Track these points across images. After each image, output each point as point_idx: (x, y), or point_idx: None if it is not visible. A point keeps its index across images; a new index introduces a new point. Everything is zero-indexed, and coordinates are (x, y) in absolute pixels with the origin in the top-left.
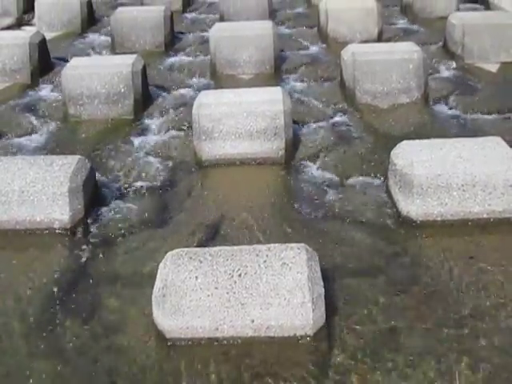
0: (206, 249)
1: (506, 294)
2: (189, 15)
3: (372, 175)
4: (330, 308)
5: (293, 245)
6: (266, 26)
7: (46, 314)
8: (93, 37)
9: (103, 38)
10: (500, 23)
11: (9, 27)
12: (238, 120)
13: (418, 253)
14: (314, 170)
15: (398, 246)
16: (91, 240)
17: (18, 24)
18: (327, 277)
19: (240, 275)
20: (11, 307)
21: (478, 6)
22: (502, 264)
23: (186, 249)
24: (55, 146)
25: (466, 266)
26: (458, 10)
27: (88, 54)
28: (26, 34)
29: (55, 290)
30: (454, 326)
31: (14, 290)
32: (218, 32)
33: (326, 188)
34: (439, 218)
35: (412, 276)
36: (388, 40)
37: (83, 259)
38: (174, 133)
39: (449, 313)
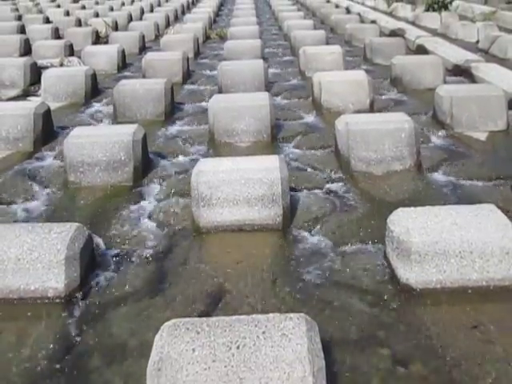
0: (204, 319)
1: None
2: (189, 87)
3: (369, 242)
4: (331, 382)
5: (292, 315)
6: (263, 97)
7: None
8: (96, 107)
9: (106, 108)
10: (486, 95)
11: (15, 98)
12: (236, 187)
13: (419, 322)
14: (311, 236)
15: (398, 315)
16: (85, 309)
17: (25, 95)
18: (327, 348)
19: (238, 347)
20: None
21: (462, 79)
22: (507, 334)
23: (182, 319)
24: (54, 213)
25: (470, 337)
26: (445, 82)
27: (90, 124)
28: (31, 104)
29: (46, 362)
30: None
31: (4, 361)
32: (217, 103)
33: (323, 255)
34: (439, 286)
35: (414, 347)
36: (379, 110)
37: (76, 330)
38: (172, 199)
39: None
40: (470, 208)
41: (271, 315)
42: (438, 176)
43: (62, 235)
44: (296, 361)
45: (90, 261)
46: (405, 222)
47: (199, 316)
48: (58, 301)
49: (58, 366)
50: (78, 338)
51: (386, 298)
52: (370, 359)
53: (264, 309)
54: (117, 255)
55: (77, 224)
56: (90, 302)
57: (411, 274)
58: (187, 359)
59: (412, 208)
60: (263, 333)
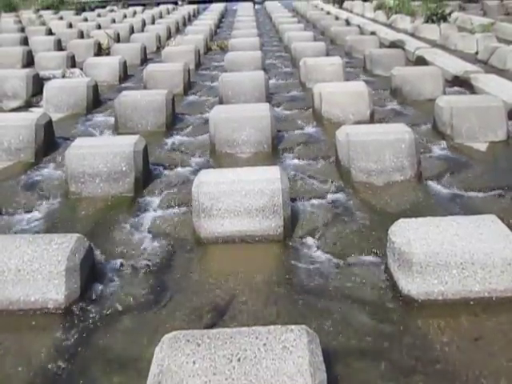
0: (205, 331)
1: None
2: (190, 98)
3: (370, 253)
4: None
5: (293, 327)
6: (263, 108)
7: None
8: (97, 118)
9: (107, 119)
10: (486, 105)
11: (18, 109)
12: (237, 198)
13: (421, 334)
14: (312, 247)
15: (400, 327)
16: (85, 321)
17: (27, 106)
18: (329, 360)
19: (239, 360)
20: None
21: (462, 89)
22: (510, 346)
23: (183, 331)
24: (55, 224)
25: (472, 349)
26: (445, 93)
27: (92, 135)
28: (33, 115)
29: (45, 373)
30: None
31: (3, 372)
32: (218, 113)
33: (325, 266)
34: (440, 297)
35: (416, 359)
36: (380, 121)
37: (76, 342)
38: (173, 210)
39: None
40: (472, 219)
41: (272, 327)
42: (439, 187)
43: (62, 246)
44: (297, 373)
45: (90, 272)
46: (406, 233)
47: (200, 328)
48: (58, 312)
49: (56, 378)
50: (78, 350)
51: (387, 309)
52: (371, 371)
53: (265, 320)
54: (117, 266)
55: (77, 235)
56: (90, 314)
57: (413, 285)
58: (188, 372)
59: (413, 219)
60: (264, 345)
